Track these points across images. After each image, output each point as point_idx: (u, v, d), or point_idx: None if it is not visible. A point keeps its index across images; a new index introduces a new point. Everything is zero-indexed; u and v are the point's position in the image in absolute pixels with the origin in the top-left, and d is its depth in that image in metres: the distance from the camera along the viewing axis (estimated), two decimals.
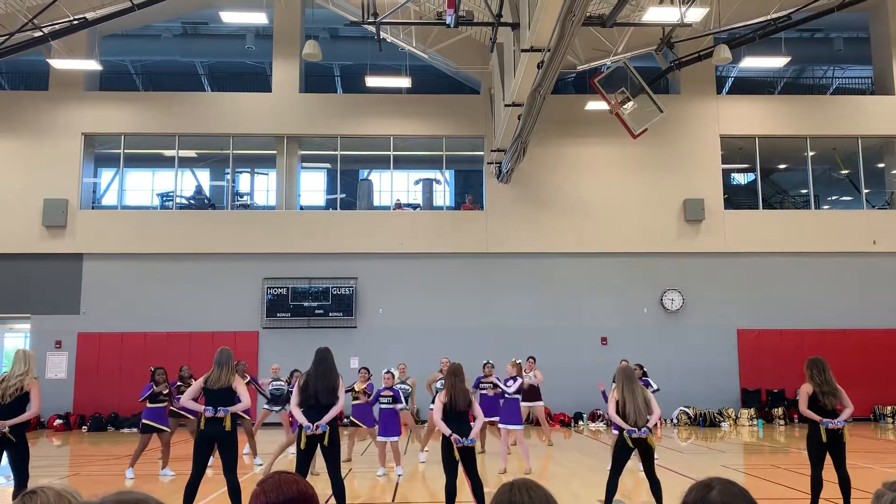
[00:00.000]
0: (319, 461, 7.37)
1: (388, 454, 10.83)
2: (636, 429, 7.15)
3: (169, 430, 10.86)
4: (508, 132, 15.94)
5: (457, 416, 7.12)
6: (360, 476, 10.71)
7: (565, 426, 18.38)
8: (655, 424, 7.47)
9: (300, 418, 7.03)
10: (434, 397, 12.55)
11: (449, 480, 6.99)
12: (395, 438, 10.69)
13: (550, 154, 19.86)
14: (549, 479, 10.15)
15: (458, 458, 7.00)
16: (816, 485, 7.15)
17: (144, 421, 10.68)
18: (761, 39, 17.46)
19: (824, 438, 7.08)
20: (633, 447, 7.26)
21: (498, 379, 11.83)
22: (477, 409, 7.31)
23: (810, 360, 7.46)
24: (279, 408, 12.92)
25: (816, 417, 7.13)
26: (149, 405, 10.70)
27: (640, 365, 12.58)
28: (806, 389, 7.29)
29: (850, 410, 7.24)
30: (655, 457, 7.51)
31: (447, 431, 7.02)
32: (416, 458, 12.28)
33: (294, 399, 7.25)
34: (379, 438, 10.69)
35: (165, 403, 10.84)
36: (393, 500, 8.88)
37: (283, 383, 12.96)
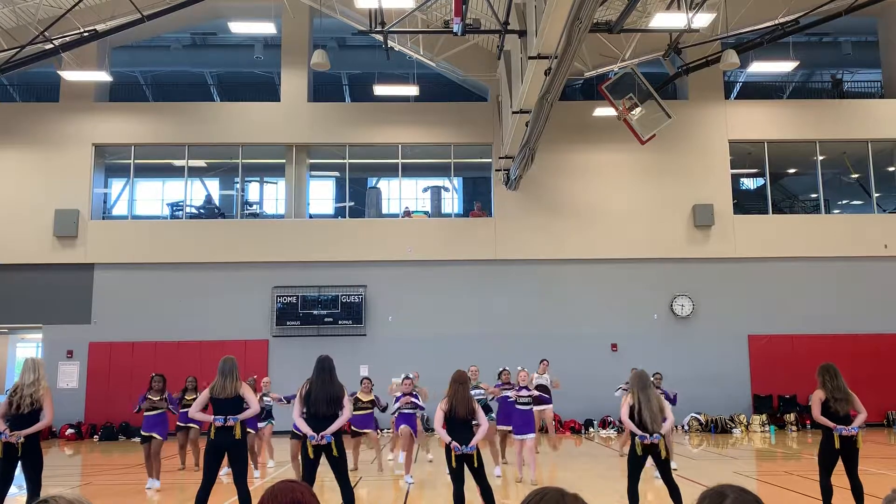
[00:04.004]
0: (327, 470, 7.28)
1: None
2: (647, 434, 7.08)
3: (161, 438, 10.51)
4: (516, 139, 15.95)
5: (458, 423, 7.06)
6: (370, 484, 10.69)
7: (575, 433, 18.31)
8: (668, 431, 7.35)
9: (304, 428, 6.93)
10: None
11: (456, 488, 6.96)
12: (413, 435, 10.69)
13: (559, 160, 19.86)
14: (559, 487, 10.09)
15: (455, 466, 6.93)
16: (827, 491, 7.10)
17: (142, 433, 10.53)
18: (769, 44, 17.43)
19: (837, 445, 7.03)
20: (644, 453, 7.18)
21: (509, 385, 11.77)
22: (481, 417, 7.22)
23: (822, 367, 7.43)
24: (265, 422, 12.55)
25: (830, 424, 7.08)
26: (145, 414, 10.55)
27: (659, 374, 12.63)
28: (819, 396, 7.24)
29: (864, 416, 7.19)
30: (674, 466, 7.43)
31: (447, 439, 7.00)
32: (424, 466, 12.25)
33: (296, 409, 7.12)
34: (401, 426, 10.59)
35: (160, 411, 10.61)
36: None
37: (269, 400, 12.66)
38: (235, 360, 7.35)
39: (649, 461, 7.39)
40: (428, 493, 9.93)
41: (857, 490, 7.07)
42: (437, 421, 7.16)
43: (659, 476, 7.56)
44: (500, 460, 11.37)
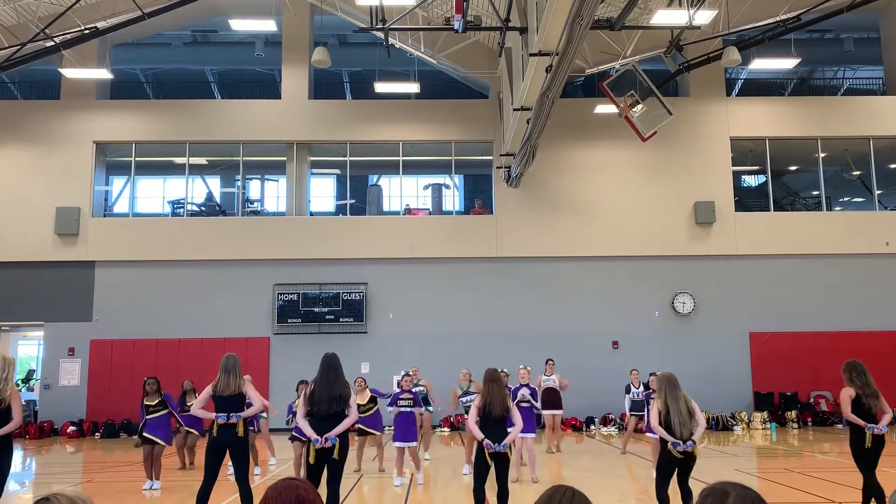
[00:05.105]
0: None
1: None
2: (681, 441, 6.71)
3: (163, 443, 10.42)
4: (517, 136, 15.93)
5: (492, 422, 6.94)
6: (370, 483, 10.69)
7: (577, 431, 18.32)
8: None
9: (308, 431, 6.68)
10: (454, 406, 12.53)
11: (476, 486, 6.85)
12: (414, 444, 10.56)
13: (560, 158, 19.84)
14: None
15: (491, 464, 6.82)
16: (874, 488, 6.85)
17: (145, 434, 10.41)
18: (770, 41, 17.40)
19: (868, 444, 6.84)
20: (677, 460, 6.79)
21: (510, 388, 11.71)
22: (516, 416, 7.11)
23: (848, 364, 7.15)
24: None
25: (861, 423, 6.88)
26: (147, 417, 10.46)
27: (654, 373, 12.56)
28: (848, 393, 6.98)
29: (890, 415, 7.00)
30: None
31: (480, 436, 6.87)
32: (423, 465, 12.24)
33: (301, 410, 6.88)
34: (396, 444, 10.47)
35: (163, 413, 10.51)
36: None
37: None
38: (238, 357, 7.32)
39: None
40: (429, 492, 9.93)
41: (874, 491, 6.91)
42: (471, 418, 7.03)
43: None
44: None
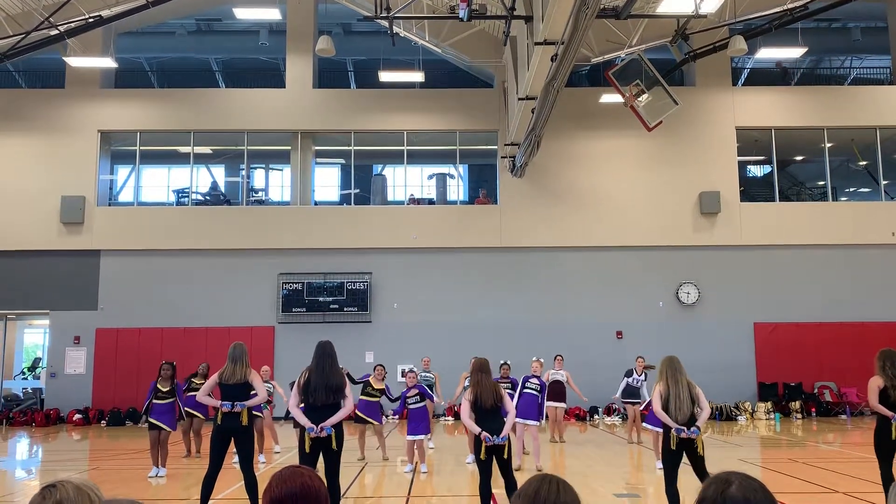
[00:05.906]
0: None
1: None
2: (684, 428, 6.43)
3: (170, 429, 10.51)
4: (522, 126, 15.89)
5: (486, 413, 6.74)
6: (374, 470, 10.74)
7: (580, 420, 18.36)
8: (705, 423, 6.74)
9: (302, 420, 6.49)
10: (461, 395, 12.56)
11: (482, 480, 6.67)
12: (424, 437, 10.64)
13: (565, 147, 19.79)
14: (565, 474, 10.13)
15: (485, 457, 6.63)
16: (888, 482, 6.70)
17: (150, 420, 10.49)
18: (777, 30, 17.29)
19: (894, 435, 6.62)
20: (680, 448, 6.48)
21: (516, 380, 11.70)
22: (508, 406, 6.91)
23: (882, 353, 7.01)
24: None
25: (888, 413, 6.70)
26: (154, 402, 10.53)
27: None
28: (876, 383, 6.83)
29: None
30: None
31: (476, 429, 6.66)
32: (427, 454, 12.28)
33: (293, 399, 6.75)
34: (408, 437, 10.54)
35: (170, 400, 10.58)
36: (409, 495, 8.90)
37: (271, 386, 12.46)
38: (245, 346, 7.33)
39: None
40: (433, 481, 9.96)
41: (889, 483, 6.85)
42: (464, 412, 6.87)
43: (661, 468, 7.36)
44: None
